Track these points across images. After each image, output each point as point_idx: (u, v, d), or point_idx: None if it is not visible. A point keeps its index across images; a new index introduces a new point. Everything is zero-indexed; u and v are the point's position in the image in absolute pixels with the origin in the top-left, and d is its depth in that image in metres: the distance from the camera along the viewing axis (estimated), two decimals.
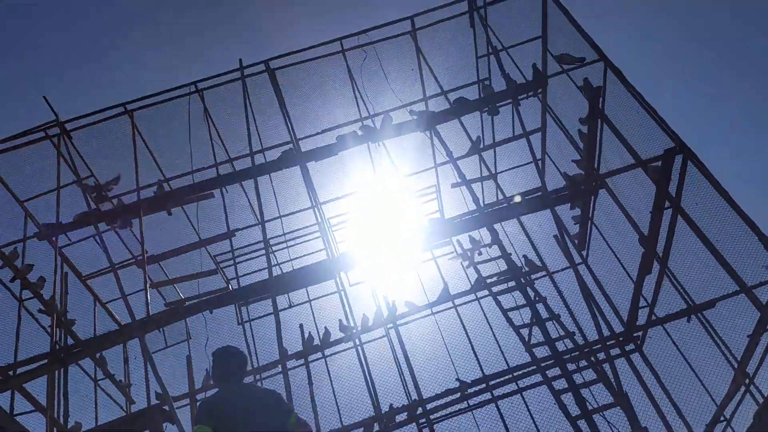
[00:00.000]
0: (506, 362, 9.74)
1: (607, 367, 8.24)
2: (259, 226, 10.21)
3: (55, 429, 7.54)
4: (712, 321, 7.74)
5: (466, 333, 9.76)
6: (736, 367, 7.22)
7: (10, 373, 6.83)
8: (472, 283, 10.20)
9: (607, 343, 8.43)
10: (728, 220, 6.89)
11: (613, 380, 7.75)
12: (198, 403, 4.93)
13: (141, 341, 6.28)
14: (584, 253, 10.40)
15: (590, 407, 7.52)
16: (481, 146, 10.28)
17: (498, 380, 8.30)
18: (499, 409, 8.76)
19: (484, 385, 8.27)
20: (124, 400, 9.51)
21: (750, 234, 6.56)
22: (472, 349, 9.55)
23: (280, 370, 9.96)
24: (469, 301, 10.44)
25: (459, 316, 9.98)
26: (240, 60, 8.91)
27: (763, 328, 6.82)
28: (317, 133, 9.52)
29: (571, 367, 8.72)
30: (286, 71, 9.00)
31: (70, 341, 8.70)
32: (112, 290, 10.61)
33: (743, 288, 6.85)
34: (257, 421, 4.33)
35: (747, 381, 7.24)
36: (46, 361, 6.94)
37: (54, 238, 8.11)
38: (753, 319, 6.82)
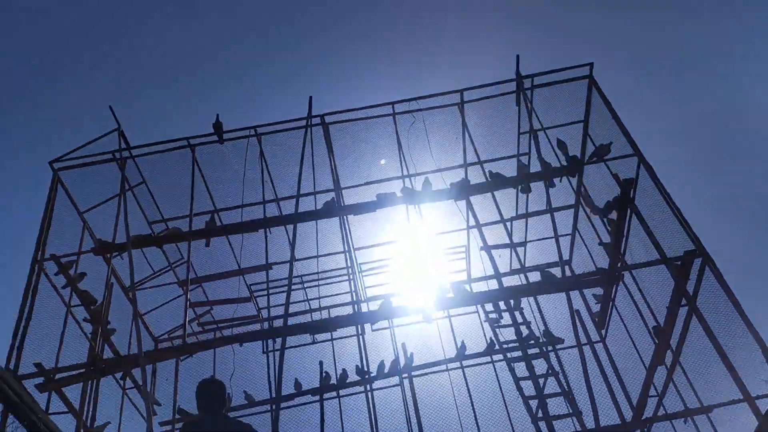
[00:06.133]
0: (511, 426, 10.07)
1: None
2: (295, 262, 10.90)
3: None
4: (714, 420, 7.93)
5: (470, 395, 10.13)
6: None
7: (53, 376, 7.50)
8: (488, 344, 10.56)
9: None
10: (738, 328, 7.15)
11: None
12: (181, 425, 5.65)
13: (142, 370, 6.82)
14: (603, 332, 10.66)
15: None
16: (514, 215, 10.75)
17: None
18: None
19: None
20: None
21: (755, 346, 6.80)
22: (474, 412, 9.89)
23: (295, 402, 10.52)
24: (484, 363, 10.79)
25: (465, 378, 10.36)
26: (310, 99, 9.47)
27: None
28: (359, 185, 10.12)
29: None
30: (339, 126, 9.64)
31: (107, 350, 9.35)
32: (151, 303, 11.36)
33: (747, 397, 7.05)
34: None
35: None
36: (84, 370, 7.61)
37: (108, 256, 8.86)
38: (750, 427, 7.01)
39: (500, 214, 8.80)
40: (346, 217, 9.75)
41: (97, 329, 8.97)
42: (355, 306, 9.51)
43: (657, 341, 8.54)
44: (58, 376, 7.64)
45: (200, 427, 5.29)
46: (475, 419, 9.87)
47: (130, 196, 9.71)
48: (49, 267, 8.81)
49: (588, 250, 10.76)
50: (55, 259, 8.69)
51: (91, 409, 8.65)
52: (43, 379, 7.55)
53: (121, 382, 9.90)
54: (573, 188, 9.63)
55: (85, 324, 9.20)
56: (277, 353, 11.36)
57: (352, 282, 9.79)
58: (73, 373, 7.64)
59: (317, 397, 10.39)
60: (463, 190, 8.59)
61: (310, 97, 9.50)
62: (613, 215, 9.05)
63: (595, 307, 10.58)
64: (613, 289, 9.78)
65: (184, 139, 9.58)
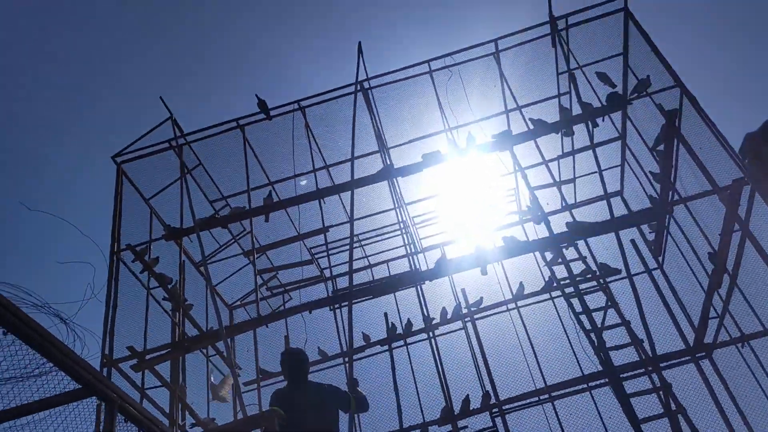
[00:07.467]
0: (576, 359, 10.42)
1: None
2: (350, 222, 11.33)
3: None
4: None
5: (527, 333, 10.51)
6: None
7: (146, 357, 8.24)
8: (545, 282, 10.84)
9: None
10: None
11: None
12: (273, 391, 6.27)
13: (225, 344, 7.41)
14: (660, 259, 10.78)
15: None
16: (560, 153, 10.83)
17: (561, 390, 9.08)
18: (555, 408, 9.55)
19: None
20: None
21: None
22: (532, 348, 10.28)
23: (366, 354, 11.14)
24: (544, 300, 11.10)
25: (521, 317, 10.72)
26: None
27: None
28: (403, 143, 10.39)
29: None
30: (378, 89, 9.84)
31: (188, 325, 10.09)
32: (221, 275, 12.04)
33: None
34: (310, 415, 5.70)
35: None
36: (170, 349, 8.33)
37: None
38: None
39: (542, 157, 8.94)
40: (397, 181, 10.06)
41: (177, 307, 9.67)
42: (412, 258, 9.87)
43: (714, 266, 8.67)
44: (148, 356, 8.37)
45: (291, 397, 5.90)
46: (534, 354, 10.27)
47: (190, 178, 10.23)
48: (126, 255, 9.48)
49: (639, 181, 10.79)
50: (131, 248, 9.33)
51: (181, 379, 9.44)
52: (136, 360, 8.30)
53: (205, 351, 10.69)
54: (614, 124, 9.62)
55: (165, 302, 9.92)
56: (344, 309, 12.11)
57: (406, 236, 10.18)
58: (162, 352, 8.36)
59: (386, 347, 10.95)
60: (506, 141, 8.73)
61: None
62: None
63: (650, 236, 10.70)
64: (667, 219, 9.87)
65: (233, 120, 9.98)
